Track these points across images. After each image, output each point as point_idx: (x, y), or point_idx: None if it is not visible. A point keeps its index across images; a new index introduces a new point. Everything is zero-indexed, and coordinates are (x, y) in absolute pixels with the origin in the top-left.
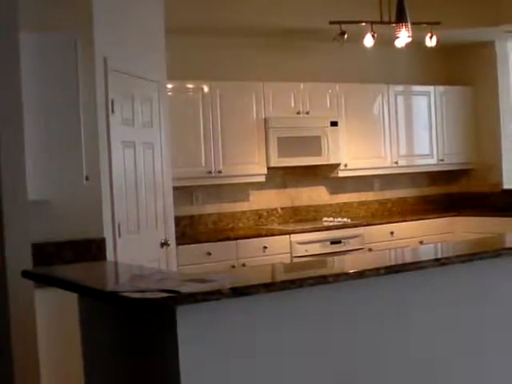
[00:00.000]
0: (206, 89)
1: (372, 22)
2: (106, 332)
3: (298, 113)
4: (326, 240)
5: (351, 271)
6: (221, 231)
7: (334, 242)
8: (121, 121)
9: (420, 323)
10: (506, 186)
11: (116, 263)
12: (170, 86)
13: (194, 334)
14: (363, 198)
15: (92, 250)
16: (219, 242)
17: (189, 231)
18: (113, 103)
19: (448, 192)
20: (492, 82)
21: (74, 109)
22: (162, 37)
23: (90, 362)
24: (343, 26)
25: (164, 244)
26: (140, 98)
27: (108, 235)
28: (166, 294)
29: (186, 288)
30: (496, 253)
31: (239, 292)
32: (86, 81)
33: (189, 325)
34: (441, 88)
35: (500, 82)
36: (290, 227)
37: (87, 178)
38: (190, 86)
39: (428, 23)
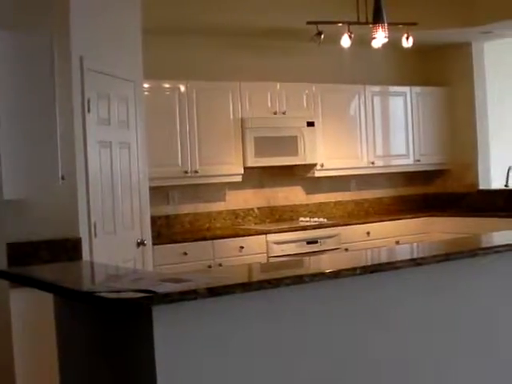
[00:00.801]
0: (182, 88)
1: (349, 23)
2: (81, 332)
3: (275, 113)
4: (302, 240)
5: (327, 271)
6: (197, 231)
7: (311, 241)
8: (97, 120)
9: (396, 323)
10: (481, 187)
11: (92, 263)
12: (146, 85)
13: (169, 333)
14: (339, 198)
15: (68, 249)
16: (195, 242)
17: (165, 231)
18: (89, 103)
19: (424, 192)
20: (468, 83)
21: (49, 108)
22: (138, 36)
23: (65, 362)
24: (320, 27)
25: (140, 244)
26: (116, 97)
27: (84, 235)
28: (141, 294)
29: (162, 288)
30: (472, 253)
31: (215, 292)
32: (62, 80)
33: (165, 325)
34: (417, 89)
35: (476, 82)
36: (267, 227)
37: (63, 178)
38: (166, 85)
39: (404, 24)
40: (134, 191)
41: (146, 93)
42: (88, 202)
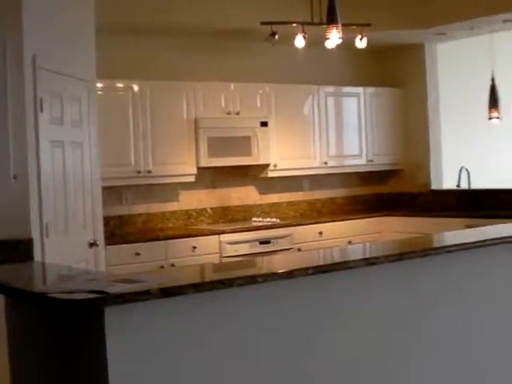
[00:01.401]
0: (135, 88)
1: (303, 23)
2: (33, 334)
3: (229, 113)
4: (255, 240)
5: (280, 271)
6: (150, 231)
7: (264, 242)
8: (49, 120)
9: (349, 322)
10: (433, 187)
11: (44, 264)
12: (99, 84)
13: (122, 334)
14: (292, 198)
15: (19, 250)
16: (148, 242)
17: (118, 231)
18: (41, 102)
19: (377, 192)
20: (421, 84)
21: (1, 107)
22: (91, 35)
23: (16, 364)
24: (274, 27)
25: (92, 244)
26: (69, 96)
27: (36, 235)
28: (93, 295)
29: (115, 289)
30: (424, 253)
31: (168, 292)
32: (14, 79)
33: (117, 326)
34: (371, 89)
35: (429, 83)
36: (220, 227)
37: (15, 177)
38: (119, 85)
39: (358, 25)
40: (87, 191)
41: (99, 92)
42: (40, 201)
